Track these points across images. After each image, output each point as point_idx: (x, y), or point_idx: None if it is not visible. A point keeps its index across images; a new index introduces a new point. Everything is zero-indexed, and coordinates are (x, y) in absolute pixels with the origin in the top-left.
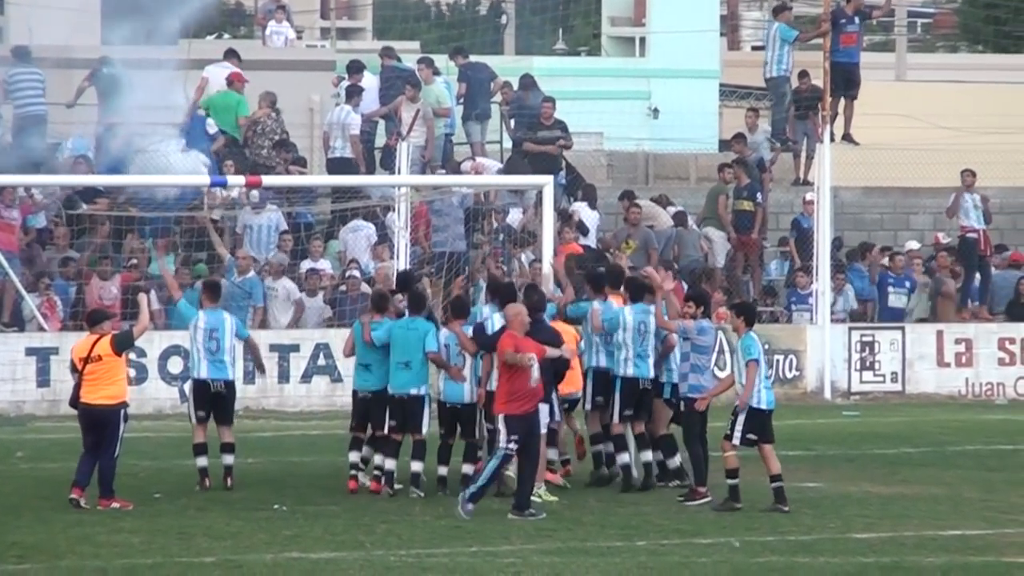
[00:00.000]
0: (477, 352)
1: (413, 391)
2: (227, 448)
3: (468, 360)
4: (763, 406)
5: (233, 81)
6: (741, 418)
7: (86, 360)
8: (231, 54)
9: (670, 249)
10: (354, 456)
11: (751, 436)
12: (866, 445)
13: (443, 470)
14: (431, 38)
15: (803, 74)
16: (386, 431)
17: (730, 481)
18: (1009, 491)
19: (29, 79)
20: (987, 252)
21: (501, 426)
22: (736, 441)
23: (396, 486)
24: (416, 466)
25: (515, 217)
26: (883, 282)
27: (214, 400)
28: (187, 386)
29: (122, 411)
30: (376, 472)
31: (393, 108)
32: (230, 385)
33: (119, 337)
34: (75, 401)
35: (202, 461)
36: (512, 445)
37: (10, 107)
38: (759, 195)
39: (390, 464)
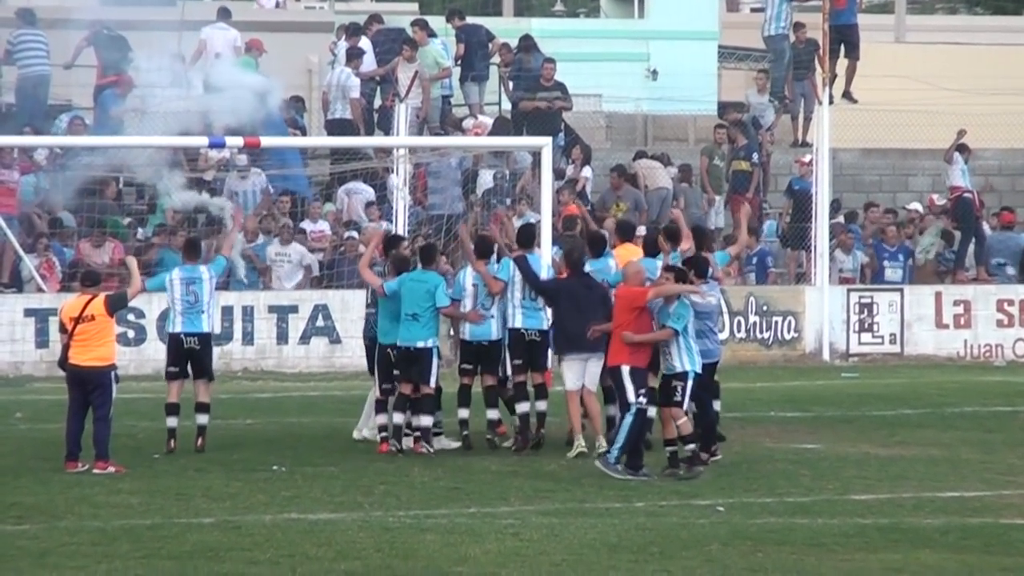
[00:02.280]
0: (501, 291)
1: (420, 343)
2: (201, 408)
3: (495, 299)
4: (699, 369)
5: (251, 48)
6: (690, 385)
7: (77, 320)
8: (224, 14)
9: (667, 208)
10: (383, 419)
11: (678, 399)
12: (864, 407)
13: (464, 412)
14: None
15: (799, 26)
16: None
17: (688, 447)
18: (1007, 452)
19: (34, 41)
20: (980, 214)
21: (627, 381)
22: (686, 407)
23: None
24: (425, 420)
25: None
26: (878, 254)
27: (188, 356)
28: None
29: (112, 373)
30: (414, 433)
31: (390, 69)
32: (204, 339)
33: (113, 298)
34: (64, 362)
35: (172, 421)
36: (643, 399)
37: (14, 68)
38: (756, 155)
39: (398, 418)
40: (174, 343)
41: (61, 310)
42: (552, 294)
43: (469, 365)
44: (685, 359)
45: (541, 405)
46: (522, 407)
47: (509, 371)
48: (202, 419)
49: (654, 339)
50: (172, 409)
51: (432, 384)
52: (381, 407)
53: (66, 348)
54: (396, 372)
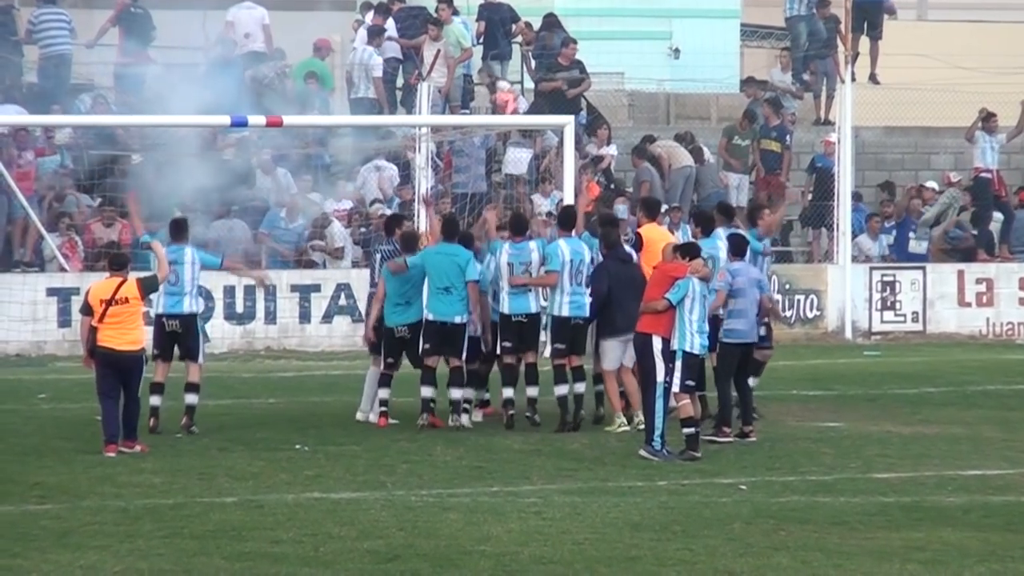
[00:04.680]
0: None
1: (458, 319)
2: (189, 388)
3: (533, 276)
4: (696, 351)
5: (320, 48)
6: (678, 365)
7: (109, 302)
8: None
9: (689, 187)
10: (385, 393)
11: (689, 383)
12: (887, 385)
13: (509, 392)
14: None
15: (823, 3)
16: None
17: (687, 430)
18: None
19: (55, 19)
20: (1002, 193)
21: (659, 358)
22: (676, 389)
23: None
24: (456, 393)
25: (522, 157)
26: (906, 226)
27: (172, 338)
28: None
29: (143, 356)
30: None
31: (414, 47)
32: (186, 320)
33: (147, 281)
34: (94, 346)
35: (155, 400)
36: (670, 379)
37: (35, 48)
38: (788, 137)
39: (427, 392)
40: (157, 325)
41: (88, 292)
42: (602, 288)
43: (510, 343)
44: (675, 337)
45: (579, 387)
46: (560, 390)
47: (547, 353)
48: (191, 399)
49: (653, 309)
50: (155, 388)
51: (463, 357)
52: (385, 381)
53: (94, 331)
54: (427, 346)
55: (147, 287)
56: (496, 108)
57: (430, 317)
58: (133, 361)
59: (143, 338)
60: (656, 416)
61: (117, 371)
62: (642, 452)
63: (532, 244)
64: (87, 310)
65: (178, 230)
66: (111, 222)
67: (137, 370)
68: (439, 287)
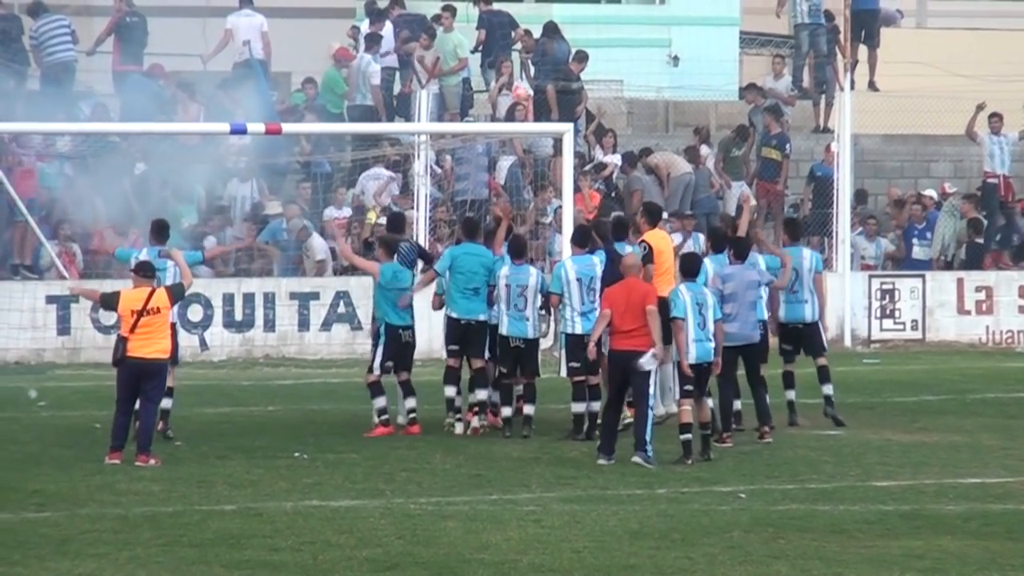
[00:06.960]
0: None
1: (482, 316)
2: (166, 392)
3: (530, 300)
4: (691, 361)
5: (340, 58)
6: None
7: (141, 313)
8: (247, 1)
9: (689, 195)
10: (382, 402)
11: (687, 388)
12: (886, 393)
13: (507, 411)
14: None
15: (829, 16)
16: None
17: (683, 436)
18: None
19: (56, 27)
20: (1008, 198)
21: (656, 375)
22: (677, 396)
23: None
24: (482, 394)
25: (503, 166)
26: (908, 233)
27: None
28: None
29: (167, 364)
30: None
31: (407, 52)
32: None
33: (176, 289)
34: (123, 356)
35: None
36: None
37: (40, 56)
38: (788, 146)
39: (450, 391)
40: None
41: (118, 301)
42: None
43: (507, 369)
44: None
45: (595, 406)
46: (578, 407)
47: (564, 372)
48: (165, 403)
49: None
50: None
51: (485, 358)
52: (379, 390)
53: (124, 341)
54: (452, 347)
55: (178, 296)
56: (514, 101)
57: (453, 315)
58: (159, 368)
59: (170, 347)
60: (648, 427)
61: (138, 381)
62: (636, 460)
63: (531, 268)
64: (112, 309)
65: (159, 232)
66: (124, 229)
67: (162, 377)
68: (468, 287)
